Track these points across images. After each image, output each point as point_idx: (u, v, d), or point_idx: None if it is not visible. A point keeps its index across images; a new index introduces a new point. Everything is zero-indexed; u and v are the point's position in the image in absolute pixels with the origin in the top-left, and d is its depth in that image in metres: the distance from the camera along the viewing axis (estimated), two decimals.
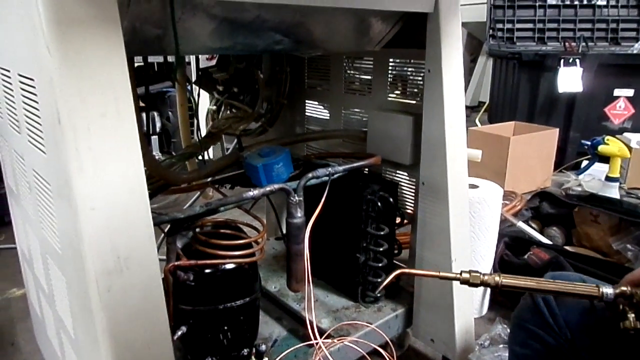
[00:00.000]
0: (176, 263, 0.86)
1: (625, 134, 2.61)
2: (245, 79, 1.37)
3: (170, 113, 2.72)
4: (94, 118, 0.55)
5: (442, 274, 0.81)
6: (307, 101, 1.48)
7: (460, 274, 0.79)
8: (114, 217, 0.59)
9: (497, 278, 0.77)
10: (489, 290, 1.50)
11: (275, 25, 0.84)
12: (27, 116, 0.69)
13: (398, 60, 1.19)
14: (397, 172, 1.25)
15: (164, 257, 0.88)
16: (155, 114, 2.64)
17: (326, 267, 1.26)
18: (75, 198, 0.56)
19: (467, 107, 4.74)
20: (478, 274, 0.78)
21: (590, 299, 0.77)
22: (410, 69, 1.18)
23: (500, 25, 3.51)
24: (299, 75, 1.46)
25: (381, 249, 1.17)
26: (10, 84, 0.75)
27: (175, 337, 0.91)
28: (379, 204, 1.13)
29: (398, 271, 0.81)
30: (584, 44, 3.07)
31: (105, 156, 0.57)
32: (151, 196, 1.01)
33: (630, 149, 2.36)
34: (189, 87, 1.30)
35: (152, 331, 0.64)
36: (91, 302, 0.60)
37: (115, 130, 0.57)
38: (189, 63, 1.96)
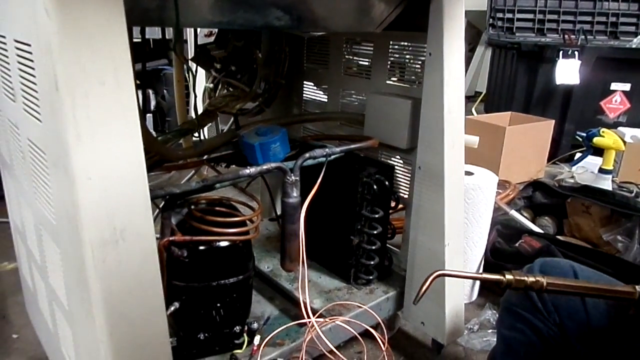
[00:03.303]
0: (171, 238, 0.86)
1: (620, 128, 2.63)
2: (243, 58, 1.35)
3: (165, 91, 2.69)
4: (92, 86, 0.55)
5: (484, 275, 0.76)
6: (305, 82, 1.47)
7: (504, 275, 0.74)
8: (111, 188, 0.58)
9: (541, 280, 0.73)
10: None
11: (276, 0, 0.82)
12: (22, 83, 0.68)
13: (399, 44, 1.19)
14: (393, 156, 1.25)
15: (157, 235, 0.88)
16: (150, 91, 2.61)
17: (319, 249, 1.26)
18: (72, 167, 0.56)
19: None
20: (522, 278, 0.73)
21: (627, 300, 0.74)
22: (410, 54, 1.17)
23: (500, 15, 3.50)
24: (298, 56, 1.45)
25: (375, 232, 1.17)
26: (6, 50, 0.73)
27: (168, 313, 0.91)
28: (375, 186, 1.13)
29: (436, 274, 0.75)
30: (583, 36, 3.07)
31: (103, 125, 0.56)
32: (147, 170, 1.00)
33: (624, 143, 2.37)
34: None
35: (147, 303, 0.64)
36: (86, 272, 0.59)
37: (114, 99, 0.56)
38: (186, 41, 1.93)
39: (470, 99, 4.55)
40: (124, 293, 0.62)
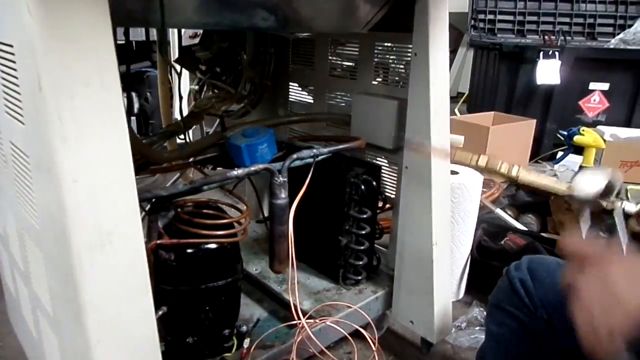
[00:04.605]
0: (158, 241, 0.85)
1: (599, 127, 2.68)
2: (228, 59, 1.35)
3: (148, 94, 2.66)
4: (77, 87, 0.54)
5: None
6: (290, 84, 1.47)
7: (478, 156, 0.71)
8: (98, 190, 0.57)
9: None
10: (466, 273, 1.53)
11: (262, 1, 0.82)
12: (4, 85, 0.66)
13: (384, 44, 1.19)
14: (379, 156, 1.26)
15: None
16: (134, 94, 2.57)
17: (307, 250, 1.26)
18: (57, 170, 0.54)
19: None
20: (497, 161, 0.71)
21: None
22: (396, 54, 1.18)
23: (482, 16, 3.55)
24: (283, 57, 1.44)
25: (363, 232, 1.17)
26: None
27: (156, 318, 0.90)
28: (362, 187, 1.13)
29: None
30: (562, 37, 3.12)
31: (89, 127, 0.55)
32: None
33: (604, 141, 2.42)
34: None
35: (136, 308, 0.63)
36: (74, 278, 0.58)
37: (100, 100, 0.56)
38: (169, 43, 1.92)
39: (453, 99, 4.60)
40: (112, 298, 0.61)
